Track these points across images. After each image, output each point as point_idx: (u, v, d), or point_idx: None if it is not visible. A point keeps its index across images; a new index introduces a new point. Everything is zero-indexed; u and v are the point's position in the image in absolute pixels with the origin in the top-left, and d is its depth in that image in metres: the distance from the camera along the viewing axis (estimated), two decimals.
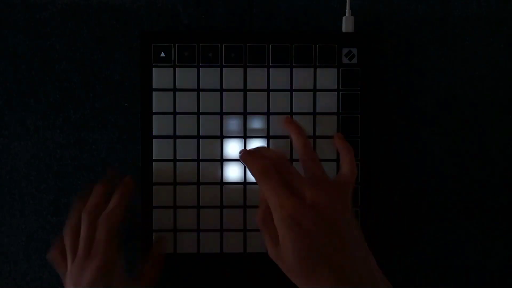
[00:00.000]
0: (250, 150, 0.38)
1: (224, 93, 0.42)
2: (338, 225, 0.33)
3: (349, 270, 0.31)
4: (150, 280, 0.39)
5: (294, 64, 0.42)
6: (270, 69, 0.42)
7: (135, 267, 0.40)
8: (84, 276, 0.35)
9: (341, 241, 0.32)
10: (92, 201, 0.39)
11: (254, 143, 0.42)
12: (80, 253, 0.36)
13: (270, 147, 0.42)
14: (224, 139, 0.42)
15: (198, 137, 0.42)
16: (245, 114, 0.42)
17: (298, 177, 0.35)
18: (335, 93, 0.42)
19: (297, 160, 0.39)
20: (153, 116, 0.42)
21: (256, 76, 0.42)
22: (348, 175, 0.37)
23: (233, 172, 0.42)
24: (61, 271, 0.38)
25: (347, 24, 0.43)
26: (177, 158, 0.42)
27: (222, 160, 0.42)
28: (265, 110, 0.42)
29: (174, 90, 0.42)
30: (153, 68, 0.42)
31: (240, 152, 0.39)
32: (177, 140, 0.42)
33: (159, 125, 0.42)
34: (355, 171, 0.37)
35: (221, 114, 0.42)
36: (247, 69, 0.42)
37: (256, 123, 0.42)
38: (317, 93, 0.42)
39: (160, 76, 0.42)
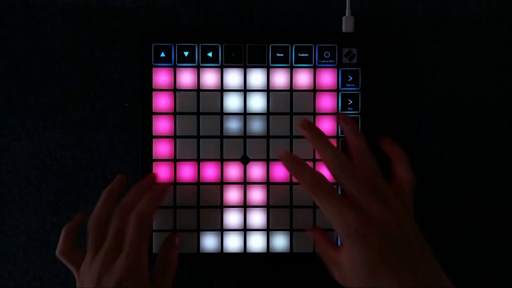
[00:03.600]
0: (295, 157, 0.36)
1: (224, 93, 0.42)
2: (407, 241, 0.32)
3: (417, 284, 0.31)
4: (163, 281, 0.38)
5: (294, 64, 0.42)
6: (270, 69, 0.42)
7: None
8: (113, 272, 0.34)
9: (410, 257, 0.31)
10: (129, 199, 0.37)
11: (254, 143, 0.42)
12: (108, 248, 0.35)
13: (270, 147, 0.42)
14: (224, 139, 0.42)
15: (198, 137, 0.42)
16: (245, 114, 0.42)
17: (359, 188, 0.33)
18: (335, 93, 0.42)
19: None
20: (153, 116, 0.42)
21: (256, 76, 0.42)
22: (408, 182, 0.35)
23: (233, 172, 0.42)
24: (74, 264, 0.37)
25: (347, 24, 0.43)
26: (177, 158, 0.42)
27: (222, 160, 0.42)
28: (265, 110, 0.42)
29: (174, 90, 0.42)
30: (153, 68, 0.42)
31: (280, 153, 0.36)
32: (177, 140, 0.42)
33: (159, 125, 0.42)
34: (413, 176, 0.35)
35: (221, 114, 0.42)
36: (247, 69, 0.42)
37: (256, 123, 0.42)
38: (317, 93, 0.42)
39: (160, 76, 0.42)
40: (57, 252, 0.37)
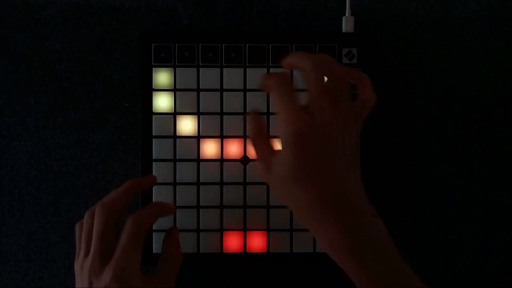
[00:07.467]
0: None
1: (224, 93, 0.42)
2: (343, 146, 0.32)
3: (341, 193, 0.31)
4: (166, 280, 0.37)
5: None
6: (270, 69, 0.42)
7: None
8: (104, 275, 0.33)
9: (341, 166, 0.31)
10: (112, 198, 0.36)
11: None
12: (94, 252, 0.34)
13: None
14: (224, 139, 0.42)
15: (198, 137, 0.42)
16: (245, 114, 0.42)
17: (318, 90, 0.32)
18: None
19: None
20: (153, 116, 0.42)
21: (255, 76, 0.42)
22: (369, 102, 0.34)
23: (233, 172, 0.42)
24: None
25: (347, 24, 0.43)
26: (177, 158, 0.42)
27: (222, 160, 0.42)
28: (265, 110, 0.42)
29: (174, 90, 0.42)
30: (153, 68, 0.42)
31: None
32: (177, 140, 0.42)
33: (159, 125, 0.42)
34: (374, 95, 0.34)
35: (221, 114, 0.42)
36: (247, 69, 0.42)
37: None
38: None
39: (160, 76, 0.42)
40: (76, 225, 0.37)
